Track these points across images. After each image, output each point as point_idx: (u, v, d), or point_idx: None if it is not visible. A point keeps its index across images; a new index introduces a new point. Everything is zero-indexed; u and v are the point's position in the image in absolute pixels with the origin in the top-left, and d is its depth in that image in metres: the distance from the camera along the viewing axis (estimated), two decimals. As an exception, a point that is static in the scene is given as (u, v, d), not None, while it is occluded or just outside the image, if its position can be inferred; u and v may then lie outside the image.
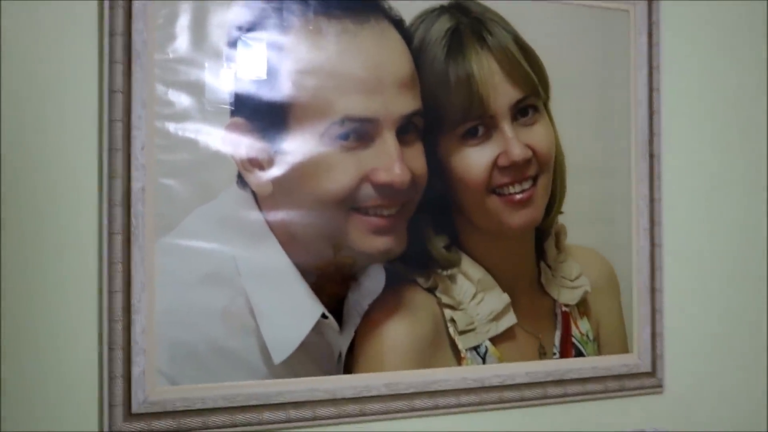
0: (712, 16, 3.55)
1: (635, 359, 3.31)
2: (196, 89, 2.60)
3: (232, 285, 2.62)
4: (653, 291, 3.34)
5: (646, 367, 3.33)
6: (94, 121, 2.49)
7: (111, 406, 2.46)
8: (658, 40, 3.35)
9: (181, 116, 2.57)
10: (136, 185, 2.50)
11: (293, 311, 2.69)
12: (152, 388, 2.51)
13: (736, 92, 3.61)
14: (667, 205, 3.38)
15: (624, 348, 3.30)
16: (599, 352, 3.24)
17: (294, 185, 2.70)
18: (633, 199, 3.31)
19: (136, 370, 2.49)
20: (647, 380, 3.33)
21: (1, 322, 2.37)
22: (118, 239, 2.48)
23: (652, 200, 3.33)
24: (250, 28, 2.70)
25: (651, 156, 3.34)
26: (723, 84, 3.58)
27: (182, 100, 2.58)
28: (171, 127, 2.56)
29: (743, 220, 3.63)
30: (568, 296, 3.18)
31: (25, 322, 2.40)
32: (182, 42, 2.60)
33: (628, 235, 3.31)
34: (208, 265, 2.59)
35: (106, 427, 2.46)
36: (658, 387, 3.36)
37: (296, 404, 2.70)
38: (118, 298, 2.47)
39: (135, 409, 2.49)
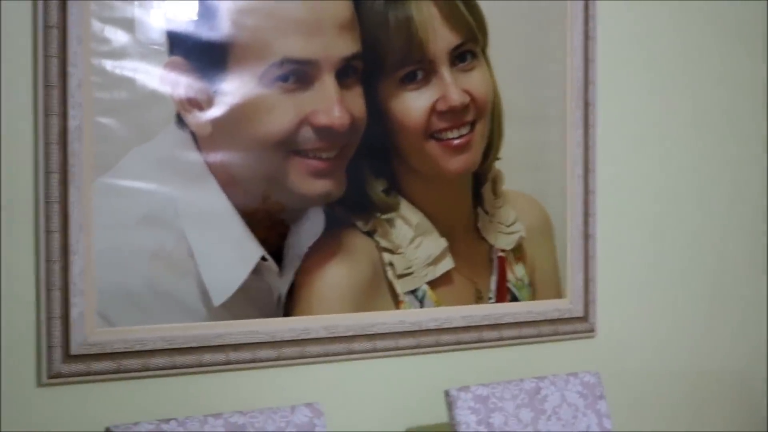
0: (645, -34, 3.59)
1: (568, 304, 3.36)
2: (133, 26, 2.54)
3: (170, 227, 2.59)
4: (586, 237, 3.39)
5: (579, 311, 3.38)
6: (28, 58, 2.42)
7: (49, 347, 2.42)
8: (593, -12, 3.39)
9: (119, 54, 2.52)
10: (72, 123, 2.44)
11: (233, 253, 2.68)
12: (91, 330, 2.47)
13: (672, 40, 3.66)
14: (600, 153, 3.42)
15: (558, 293, 3.34)
16: (534, 296, 3.28)
17: (233, 126, 2.67)
18: (568, 146, 3.34)
19: (74, 312, 2.44)
20: (580, 325, 3.39)
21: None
22: (55, 178, 2.42)
23: (586, 147, 3.37)
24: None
25: (586, 104, 3.37)
26: (659, 32, 3.62)
27: (119, 37, 2.52)
28: (108, 64, 2.51)
29: (676, 167, 3.69)
30: (504, 241, 3.21)
31: (-42, 263, 2.35)
32: (119, -22, 2.55)
33: (563, 182, 3.34)
34: (147, 206, 2.55)
35: (44, 369, 2.42)
36: (590, 331, 3.42)
37: (236, 346, 2.68)
38: (56, 239, 2.43)
39: (74, 350, 2.45)
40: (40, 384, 2.42)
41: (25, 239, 2.41)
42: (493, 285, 3.19)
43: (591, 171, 3.37)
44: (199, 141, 2.63)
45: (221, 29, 2.65)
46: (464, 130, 3.06)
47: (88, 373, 2.47)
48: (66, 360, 2.44)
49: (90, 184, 2.47)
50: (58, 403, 2.45)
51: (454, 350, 3.10)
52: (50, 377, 2.42)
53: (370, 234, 2.93)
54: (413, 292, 3.01)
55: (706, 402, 3.80)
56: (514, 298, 3.23)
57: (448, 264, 3.07)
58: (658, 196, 3.64)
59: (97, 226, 2.48)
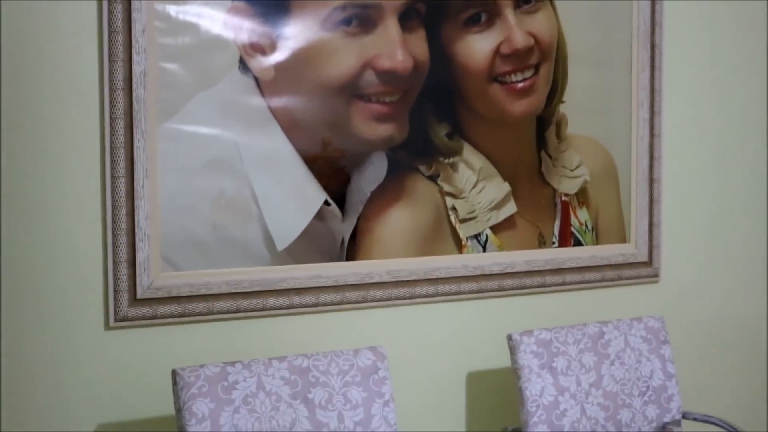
0: None
1: (632, 249, 3.33)
2: (196, -29, 2.54)
3: (234, 171, 2.60)
4: (651, 181, 3.34)
5: (643, 256, 3.35)
6: (93, 3, 2.43)
7: (116, 291, 2.46)
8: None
9: (182, -1, 2.53)
10: (137, 69, 2.45)
11: (296, 198, 2.68)
12: (157, 274, 2.51)
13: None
14: (667, 96, 3.37)
15: (622, 238, 3.31)
16: (597, 241, 3.26)
17: (296, 71, 2.66)
18: (633, 90, 3.29)
19: (140, 256, 2.48)
20: (644, 270, 3.36)
21: (3, 208, 2.35)
22: (120, 124, 2.44)
23: (652, 91, 3.32)
24: None
25: (652, 46, 3.31)
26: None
27: (182, -18, 2.52)
28: (172, 9, 2.51)
29: (742, 110, 3.62)
30: (567, 185, 3.19)
31: (28, 208, 2.37)
32: None
33: (628, 125, 3.30)
34: (211, 151, 2.57)
35: (111, 313, 2.46)
36: (654, 276, 3.39)
37: (299, 290, 2.70)
38: (122, 184, 2.45)
39: (140, 294, 2.49)
40: (107, 327, 2.47)
41: (91, 185, 2.44)
42: (556, 229, 3.17)
43: (657, 114, 3.32)
44: (262, 86, 2.63)
45: (284, -27, 2.64)
46: (528, 73, 3.03)
47: (154, 317, 2.51)
48: (132, 304, 2.48)
49: (155, 130, 2.49)
50: (125, 346, 2.50)
51: (516, 295, 3.10)
52: (117, 321, 2.47)
53: (432, 178, 2.92)
54: (476, 236, 3.01)
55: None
56: (578, 243, 3.21)
57: (511, 208, 3.06)
58: (724, 139, 3.58)
59: (162, 171, 2.50)
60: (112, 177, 2.44)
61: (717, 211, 3.58)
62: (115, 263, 2.46)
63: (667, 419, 3.02)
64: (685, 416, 3.08)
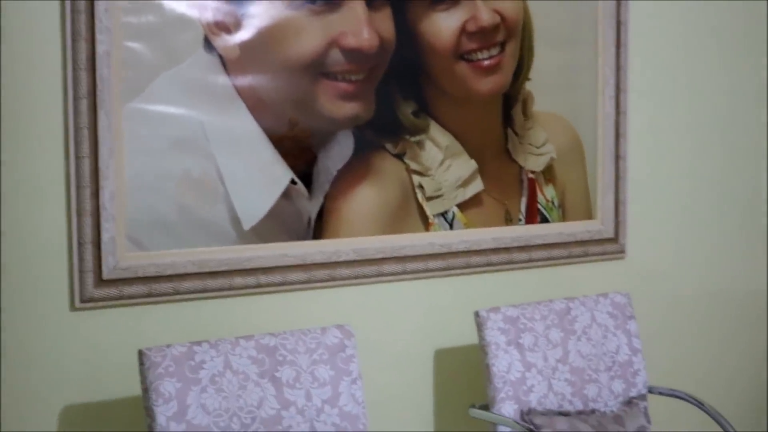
0: None
1: (598, 225, 3.35)
2: (160, -51, 2.52)
3: (200, 151, 2.59)
4: (617, 158, 3.36)
5: (609, 233, 3.38)
6: (55, -18, 2.41)
7: (81, 272, 2.45)
8: None
9: (146, -23, 2.51)
10: (100, 48, 2.43)
11: (262, 177, 2.68)
12: (122, 254, 2.50)
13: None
14: (632, 73, 3.38)
15: (588, 214, 3.33)
16: (564, 218, 3.28)
17: (261, 49, 2.65)
18: (599, 67, 3.30)
19: (105, 236, 2.47)
20: (610, 246, 3.38)
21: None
22: (84, 104, 2.43)
23: (618, 68, 3.33)
24: None
25: (618, 24, 3.31)
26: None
27: (146, -40, 2.50)
28: (135, -12, 2.49)
29: (709, 88, 3.64)
30: (534, 163, 3.20)
31: (-9, 189, 2.37)
32: None
33: (594, 103, 3.31)
34: (176, 130, 2.55)
35: (77, 294, 2.45)
36: (620, 252, 3.41)
37: (266, 270, 2.70)
38: (86, 164, 2.44)
39: (106, 275, 2.48)
40: (73, 308, 2.46)
41: (55, 165, 2.42)
42: (523, 207, 3.18)
43: (622, 91, 3.34)
44: (227, 65, 2.62)
45: (248, -50, 2.63)
46: (494, 51, 3.03)
47: (120, 297, 2.50)
48: (98, 284, 2.47)
49: (119, 110, 2.47)
50: (91, 326, 2.49)
51: (483, 272, 3.11)
52: (83, 301, 2.46)
53: (399, 156, 2.92)
54: (443, 214, 3.01)
55: (734, 323, 3.80)
56: (544, 220, 3.23)
57: (477, 186, 3.07)
58: (690, 117, 3.60)
59: (127, 151, 2.49)
60: (77, 157, 2.43)
61: (682, 188, 3.60)
62: (80, 244, 2.45)
63: (633, 394, 3.05)
64: (650, 390, 3.11)
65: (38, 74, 2.40)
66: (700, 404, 3.06)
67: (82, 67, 2.42)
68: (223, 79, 2.61)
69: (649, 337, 3.35)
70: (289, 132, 2.70)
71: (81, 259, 2.45)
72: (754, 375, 3.89)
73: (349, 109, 2.81)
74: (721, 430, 2.99)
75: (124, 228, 2.49)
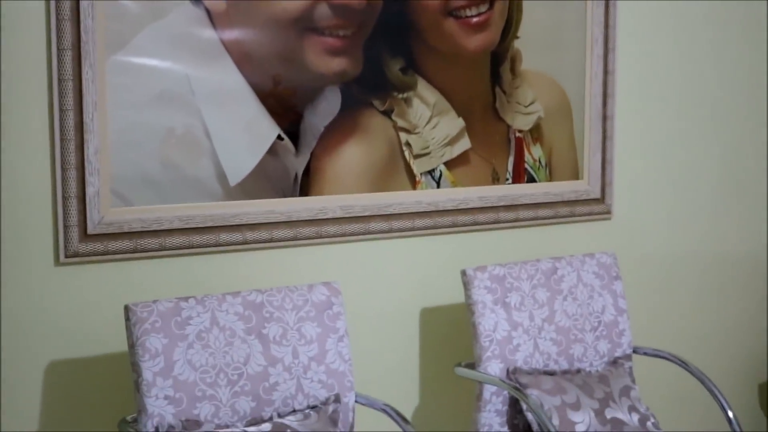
0: None
1: (585, 185, 3.34)
2: None
3: (186, 105, 2.55)
4: (605, 118, 3.35)
5: (596, 193, 3.37)
6: (38, -69, 2.37)
7: (66, 226, 2.42)
8: None
9: (131, -73, 2.46)
10: (84, 0, 2.39)
11: (249, 132, 2.65)
12: (107, 209, 2.47)
13: None
14: (621, 32, 3.36)
15: (575, 174, 3.32)
16: (551, 178, 3.26)
17: (249, 2, 2.61)
18: (588, 26, 3.28)
19: (90, 191, 2.43)
20: (596, 206, 3.37)
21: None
22: (68, 56, 2.39)
23: (606, 27, 3.31)
24: None
25: (607, -19, 3.30)
26: None
27: None
28: (120, -62, 2.45)
29: (697, 48, 3.63)
30: (522, 122, 3.18)
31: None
32: None
33: (582, 62, 3.29)
34: (162, 84, 2.52)
35: (62, 248, 2.42)
36: (606, 213, 3.41)
37: (252, 226, 2.68)
38: (70, 117, 2.40)
39: (91, 229, 2.45)
40: (58, 263, 2.43)
41: (39, 118, 2.39)
42: (510, 166, 3.16)
43: (611, 51, 3.32)
44: (213, 18, 2.58)
45: None
46: (483, 8, 3.01)
47: (105, 252, 2.48)
48: (83, 239, 2.44)
49: (104, 62, 2.44)
50: (77, 281, 2.46)
51: (470, 231, 3.10)
52: (68, 256, 2.43)
53: (387, 113, 2.90)
54: (430, 172, 2.99)
55: (717, 283, 3.82)
56: (531, 179, 3.21)
57: (465, 144, 3.05)
58: (678, 76, 3.59)
59: (111, 104, 2.45)
60: (60, 110, 2.39)
61: (669, 149, 3.59)
62: (64, 198, 2.41)
63: (618, 354, 3.05)
64: (635, 351, 3.12)
65: (22, 25, 2.35)
66: (684, 364, 3.06)
67: (66, 18, 2.38)
68: (209, 33, 2.58)
69: (634, 297, 3.35)
70: (274, 89, 2.67)
71: (66, 214, 2.42)
72: (739, 335, 3.91)
73: (337, 64, 2.77)
74: (705, 390, 2.99)
75: (110, 182, 2.46)
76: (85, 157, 2.42)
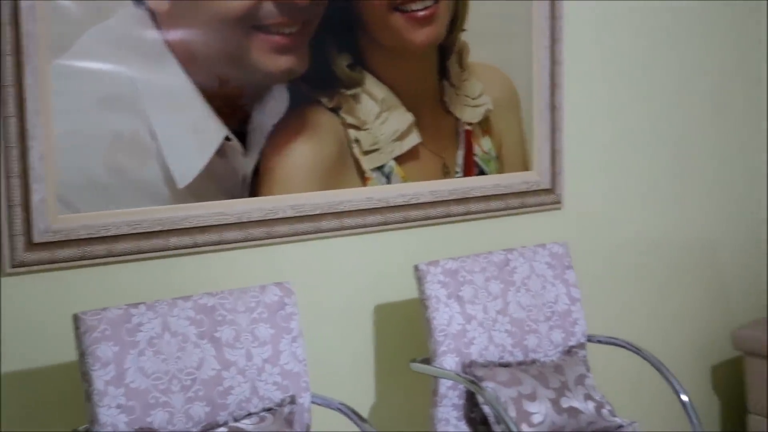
0: None
1: (535, 176, 3.35)
2: None
3: (131, 108, 2.52)
4: (553, 109, 3.35)
5: (546, 184, 3.37)
6: (-26, -66, 2.31)
7: (11, 236, 2.37)
8: None
9: (69, -71, 2.41)
10: (24, 2, 2.34)
11: (195, 133, 2.62)
12: (54, 217, 2.42)
13: None
14: (567, 23, 3.36)
15: (525, 165, 3.33)
16: (501, 170, 3.26)
17: (192, 2, 2.58)
18: (534, 17, 3.28)
19: (35, 198, 2.39)
20: (547, 196, 3.38)
21: None
22: (9, 61, 2.33)
23: (553, 18, 3.31)
24: None
25: (552, -28, 3.30)
26: None
27: None
28: (58, -60, 2.40)
29: (645, 36, 3.65)
30: (470, 114, 3.18)
31: None
32: None
33: (529, 53, 3.29)
34: (106, 87, 2.48)
35: (7, 258, 2.37)
36: (557, 203, 3.42)
37: (202, 229, 2.65)
38: (12, 124, 2.35)
39: (37, 238, 2.40)
40: (3, 274, 2.38)
41: (-20, 125, 2.34)
42: (460, 159, 3.16)
43: (557, 41, 3.32)
44: (157, 18, 2.54)
45: None
46: (429, 2, 3.00)
47: (52, 261, 2.43)
48: (29, 248, 2.40)
49: (46, 66, 2.39)
50: (24, 292, 2.42)
51: (422, 226, 3.09)
52: (14, 266, 2.38)
53: (335, 110, 2.88)
54: (380, 168, 2.98)
55: (668, 268, 3.85)
56: (482, 172, 3.21)
57: (414, 139, 3.04)
58: (626, 66, 3.61)
59: (55, 109, 2.41)
60: (2, 117, 2.34)
61: (618, 138, 3.61)
62: (9, 207, 2.36)
63: (572, 342, 3.07)
64: (589, 339, 3.14)
65: (-41, 31, 2.31)
66: (638, 351, 3.09)
67: (6, 22, 2.32)
68: (153, 34, 2.54)
69: (587, 286, 3.37)
70: (220, 89, 2.64)
71: (10, 223, 2.37)
72: (690, 319, 3.95)
73: (283, 62, 2.75)
74: (659, 375, 3.02)
75: (55, 189, 2.42)
76: (29, 164, 2.37)
